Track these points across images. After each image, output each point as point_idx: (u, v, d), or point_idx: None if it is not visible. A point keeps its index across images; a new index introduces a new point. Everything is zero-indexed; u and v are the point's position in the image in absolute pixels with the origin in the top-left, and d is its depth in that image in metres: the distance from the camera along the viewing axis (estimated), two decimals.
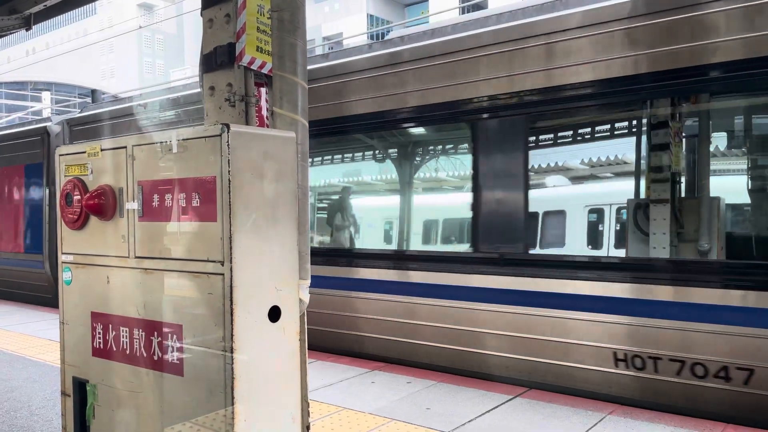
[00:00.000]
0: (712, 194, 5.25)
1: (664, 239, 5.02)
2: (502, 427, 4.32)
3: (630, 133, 5.47)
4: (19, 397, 5.24)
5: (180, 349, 2.43)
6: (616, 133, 5.50)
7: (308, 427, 2.77)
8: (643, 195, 5.39)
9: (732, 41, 4.35)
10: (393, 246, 7.45)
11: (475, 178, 5.60)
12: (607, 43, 4.83)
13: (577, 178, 6.44)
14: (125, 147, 2.65)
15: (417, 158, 6.90)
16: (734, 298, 4.36)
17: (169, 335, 2.47)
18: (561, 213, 6.49)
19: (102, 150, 2.77)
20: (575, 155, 5.94)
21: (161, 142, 2.49)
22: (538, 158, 5.97)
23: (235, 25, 2.72)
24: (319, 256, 6.29)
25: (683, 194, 5.32)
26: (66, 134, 10.58)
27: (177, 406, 2.47)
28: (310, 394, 2.87)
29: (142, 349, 2.58)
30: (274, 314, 2.41)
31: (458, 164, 6.14)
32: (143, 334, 2.58)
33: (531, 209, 5.53)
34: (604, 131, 5.59)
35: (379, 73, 6.18)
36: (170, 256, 2.48)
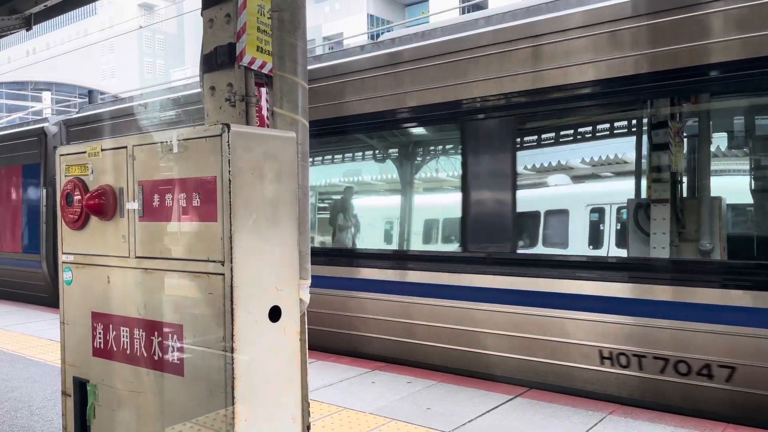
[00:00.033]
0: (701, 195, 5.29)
1: (663, 239, 5.02)
2: (502, 427, 4.32)
3: (628, 134, 5.49)
4: (20, 396, 5.24)
5: (180, 349, 2.43)
6: (614, 133, 5.53)
7: (309, 427, 2.77)
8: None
9: (710, 45, 4.46)
10: (382, 246, 7.49)
11: (472, 179, 5.66)
12: (593, 45, 4.93)
13: (578, 178, 6.45)
14: (126, 147, 2.65)
15: (403, 159, 7.02)
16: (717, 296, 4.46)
17: (170, 335, 2.47)
18: (564, 212, 6.52)
19: (102, 150, 2.77)
20: (575, 155, 5.95)
21: (162, 142, 2.49)
22: (537, 158, 6.00)
23: (236, 25, 2.72)
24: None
25: (683, 195, 5.31)
26: (63, 135, 10.66)
27: (177, 406, 2.47)
28: (310, 394, 2.87)
29: (143, 349, 2.58)
30: (275, 314, 2.41)
31: (457, 165, 6.15)
32: (144, 334, 2.58)
33: (535, 208, 5.60)
34: (602, 131, 5.61)
35: (367, 75, 6.36)
36: (171, 256, 2.48)
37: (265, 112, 2.78)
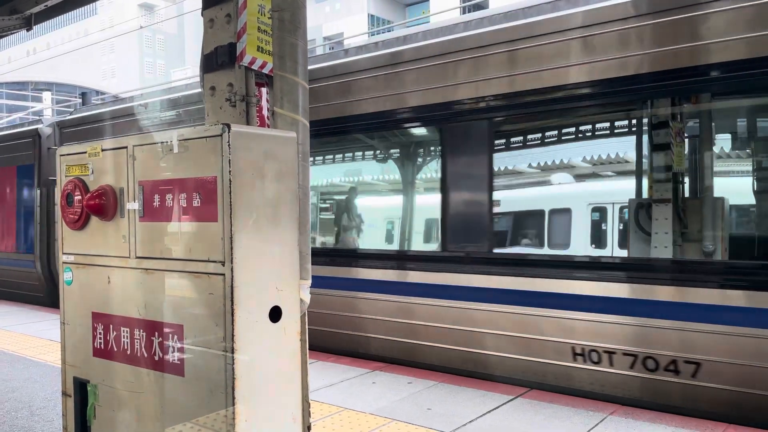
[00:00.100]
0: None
1: (667, 238, 5.04)
2: (503, 428, 4.32)
3: (624, 134, 5.54)
4: (20, 397, 5.24)
5: (181, 350, 2.43)
6: (609, 133, 5.57)
7: (309, 428, 2.77)
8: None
9: (671, 50, 4.63)
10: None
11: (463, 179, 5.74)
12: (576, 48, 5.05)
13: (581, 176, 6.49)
14: (126, 147, 2.65)
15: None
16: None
17: (170, 335, 2.47)
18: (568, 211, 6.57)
19: (103, 150, 2.76)
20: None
21: (162, 142, 2.49)
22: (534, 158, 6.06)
23: (236, 25, 2.72)
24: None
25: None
26: (57, 136, 10.81)
27: (178, 406, 2.46)
28: (311, 395, 2.87)
29: (143, 349, 2.58)
30: (275, 314, 2.41)
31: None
32: (144, 334, 2.58)
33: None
34: (595, 131, 5.66)
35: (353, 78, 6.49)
36: (171, 256, 2.48)
37: (265, 112, 2.78)
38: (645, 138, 5.27)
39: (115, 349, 2.71)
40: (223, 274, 2.27)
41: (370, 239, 7.45)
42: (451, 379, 5.49)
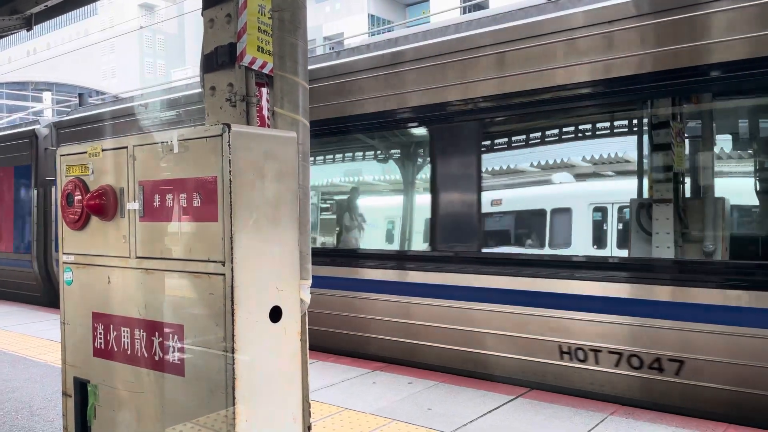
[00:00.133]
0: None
1: (668, 238, 5.05)
2: (503, 428, 4.32)
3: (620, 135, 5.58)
4: (21, 397, 5.24)
5: (181, 350, 2.43)
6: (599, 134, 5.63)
7: (309, 428, 2.77)
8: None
9: (640, 56, 4.77)
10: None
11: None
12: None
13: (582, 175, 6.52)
14: (126, 147, 2.65)
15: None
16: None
17: (170, 335, 2.47)
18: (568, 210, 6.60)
19: (103, 150, 2.76)
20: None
21: (162, 142, 2.49)
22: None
23: (236, 25, 2.72)
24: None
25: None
26: (53, 137, 10.92)
27: (178, 406, 2.46)
28: (311, 395, 2.87)
29: (143, 349, 2.58)
30: (275, 314, 2.41)
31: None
32: (144, 334, 2.58)
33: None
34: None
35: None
36: (171, 256, 2.48)
37: (265, 112, 2.78)
38: (645, 139, 5.28)
39: (116, 349, 2.71)
40: (224, 274, 2.26)
41: (356, 239, 7.54)
42: (452, 379, 5.49)
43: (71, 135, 10.36)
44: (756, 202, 5.09)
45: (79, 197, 2.80)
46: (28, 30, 5.57)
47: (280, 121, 2.79)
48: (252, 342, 2.31)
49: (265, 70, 2.77)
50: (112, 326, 2.72)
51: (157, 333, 2.52)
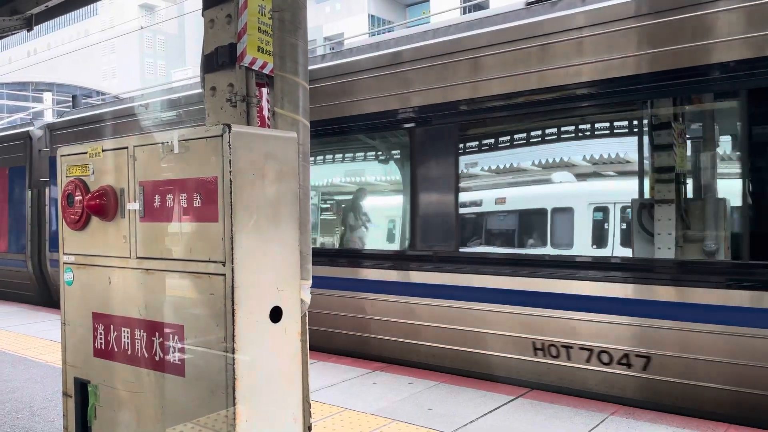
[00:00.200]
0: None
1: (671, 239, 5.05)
2: (504, 428, 4.32)
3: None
4: (21, 397, 5.25)
5: (181, 350, 2.43)
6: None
7: (310, 428, 2.77)
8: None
9: (606, 61, 4.92)
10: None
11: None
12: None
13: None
14: (126, 147, 2.65)
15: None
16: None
17: (171, 336, 2.47)
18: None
19: (103, 150, 2.77)
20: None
21: (163, 143, 2.49)
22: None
23: (237, 26, 2.72)
24: None
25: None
26: (47, 138, 11.09)
27: (178, 406, 2.46)
28: (311, 395, 2.87)
29: (144, 349, 2.58)
30: (276, 315, 2.41)
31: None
32: (144, 334, 2.58)
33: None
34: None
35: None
36: (171, 256, 2.48)
37: (266, 113, 2.78)
38: (645, 140, 5.30)
39: (116, 350, 2.71)
40: (224, 275, 2.27)
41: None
42: (452, 380, 5.49)
43: (64, 137, 10.55)
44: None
45: (80, 197, 2.80)
46: (28, 30, 5.57)
47: (280, 122, 2.79)
48: (252, 342, 2.31)
49: (266, 71, 2.77)
50: (112, 326, 2.73)
51: (157, 333, 2.52)
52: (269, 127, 2.78)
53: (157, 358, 2.52)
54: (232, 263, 2.24)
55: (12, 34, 5.66)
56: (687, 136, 5.14)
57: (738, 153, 4.80)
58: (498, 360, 5.51)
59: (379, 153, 7.05)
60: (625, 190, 5.43)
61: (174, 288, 2.49)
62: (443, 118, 5.88)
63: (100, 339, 2.78)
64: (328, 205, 7.75)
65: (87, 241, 2.85)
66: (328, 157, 7.43)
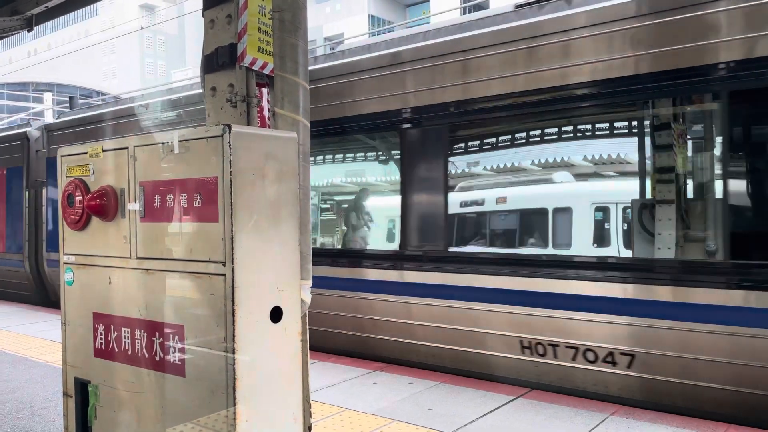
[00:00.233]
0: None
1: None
2: (504, 428, 4.32)
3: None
4: (21, 397, 5.25)
5: (181, 350, 2.43)
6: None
7: (310, 428, 2.77)
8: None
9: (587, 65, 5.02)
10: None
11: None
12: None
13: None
14: (127, 148, 2.65)
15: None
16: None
17: (171, 336, 2.47)
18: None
19: (104, 151, 2.77)
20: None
21: (163, 143, 2.49)
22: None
23: (237, 26, 2.72)
24: None
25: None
26: (44, 139, 11.22)
27: (179, 406, 2.46)
28: (311, 395, 2.87)
29: (144, 349, 2.58)
30: (276, 315, 2.41)
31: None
32: (145, 334, 2.58)
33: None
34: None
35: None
36: (172, 256, 2.48)
37: (266, 113, 2.78)
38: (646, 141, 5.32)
39: (116, 350, 2.71)
40: (224, 275, 2.27)
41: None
42: (452, 380, 5.49)
43: (61, 137, 10.66)
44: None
45: (80, 198, 2.81)
46: (28, 31, 5.58)
47: (280, 122, 2.79)
48: (252, 342, 2.31)
49: (266, 71, 2.77)
50: (112, 326, 2.73)
51: (157, 333, 2.52)
52: (269, 127, 2.78)
53: (157, 358, 2.52)
54: (233, 263, 2.25)
55: (12, 34, 5.67)
56: (678, 138, 5.18)
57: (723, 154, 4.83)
58: (487, 358, 5.60)
59: (370, 154, 7.14)
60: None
61: (174, 288, 2.49)
62: (433, 119, 5.97)
63: (101, 339, 2.78)
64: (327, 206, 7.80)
65: (87, 242, 2.85)
66: (318, 158, 7.50)
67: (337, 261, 6.69)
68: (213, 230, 2.30)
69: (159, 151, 2.51)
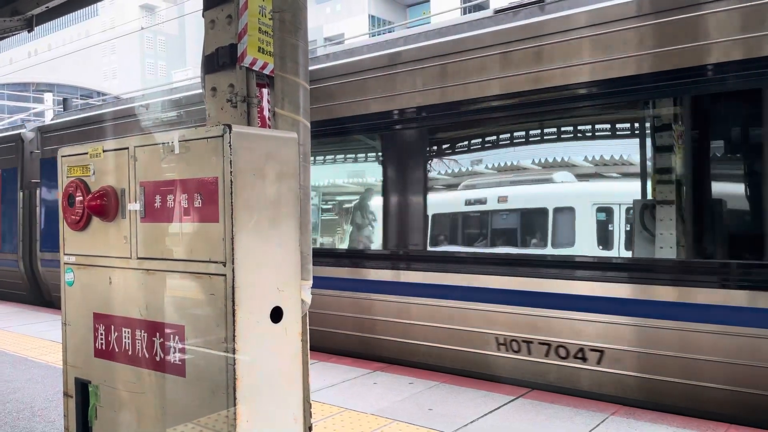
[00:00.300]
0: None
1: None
2: (504, 428, 4.32)
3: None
4: (22, 398, 5.25)
5: (182, 350, 2.43)
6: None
7: (310, 428, 2.77)
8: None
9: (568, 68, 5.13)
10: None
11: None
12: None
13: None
14: (127, 148, 2.65)
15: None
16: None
17: (171, 336, 2.47)
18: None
19: (104, 151, 2.77)
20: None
21: (163, 143, 2.49)
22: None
23: (237, 26, 2.73)
24: None
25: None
26: (38, 141, 11.33)
27: (179, 407, 2.47)
28: (312, 395, 2.87)
29: (144, 350, 2.58)
30: (276, 315, 2.41)
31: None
32: (145, 334, 2.58)
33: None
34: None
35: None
36: (172, 257, 2.48)
37: (266, 113, 2.78)
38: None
39: (117, 350, 2.71)
40: (225, 275, 2.27)
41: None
42: (453, 380, 5.49)
43: (55, 139, 10.76)
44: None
45: (81, 198, 2.81)
46: (29, 31, 5.57)
47: (280, 122, 2.79)
48: (253, 342, 2.31)
49: (266, 71, 2.77)
50: (113, 327, 2.73)
51: (158, 333, 2.52)
52: (270, 127, 2.79)
53: (157, 359, 2.52)
54: (233, 263, 2.25)
55: (13, 34, 5.67)
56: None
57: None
58: (460, 354, 5.74)
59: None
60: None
61: (175, 288, 2.50)
62: (414, 122, 6.11)
63: (101, 339, 2.79)
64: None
65: (88, 242, 2.85)
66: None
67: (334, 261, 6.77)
68: (213, 230, 2.30)
69: (159, 152, 2.51)
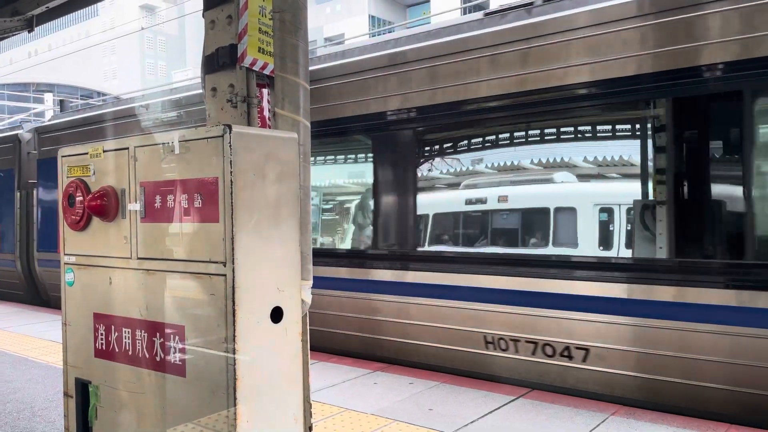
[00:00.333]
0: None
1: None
2: (504, 428, 4.32)
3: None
4: (22, 398, 5.25)
5: (182, 350, 2.43)
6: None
7: (311, 428, 2.77)
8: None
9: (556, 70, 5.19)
10: None
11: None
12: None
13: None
14: (127, 148, 2.65)
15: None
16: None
17: (171, 336, 2.47)
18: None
19: (104, 151, 2.77)
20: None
21: (163, 143, 2.49)
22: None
23: (237, 27, 2.73)
24: None
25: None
26: (35, 141, 11.41)
27: (179, 407, 2.47)
28: (312, 395, 2.87)
29: (145, 350, 2.58)
30: (277, 315, 2.41)
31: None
32: (145, 335, 2.58)
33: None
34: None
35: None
36: (172, 257, 2.48)
37: (266, 113, 2.78)
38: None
39: (117, 350, 2.71)
40: (225, 275, 2.27)
41: None
42: (453, 380, 5.49)
43: (52, 140, 10.81)
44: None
45: (81, 198, 2.81)
46: (29, 31, 5.58)
47: (281, 122, 2.79)
48: (253, 342, 2.31)
49: (266, 71, 2.77)
50: (113, 327, 2.73)
51: (158, 334, 2.52)
52: (270, 127, 2.79)
53: (158, 359, 2.52)
54: (233, 263, 2.25)
55: (13, 35, 5.67)
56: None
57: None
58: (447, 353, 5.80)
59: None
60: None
61: (175, 288, 2.50)
62: (414, 122, 6.15)
63: (101, 339, 2.79)
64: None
65: (88, 242, 2.85)
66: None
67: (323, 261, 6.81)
68: (213, 230, 2.30)
69: (159, 152, 2.51)
